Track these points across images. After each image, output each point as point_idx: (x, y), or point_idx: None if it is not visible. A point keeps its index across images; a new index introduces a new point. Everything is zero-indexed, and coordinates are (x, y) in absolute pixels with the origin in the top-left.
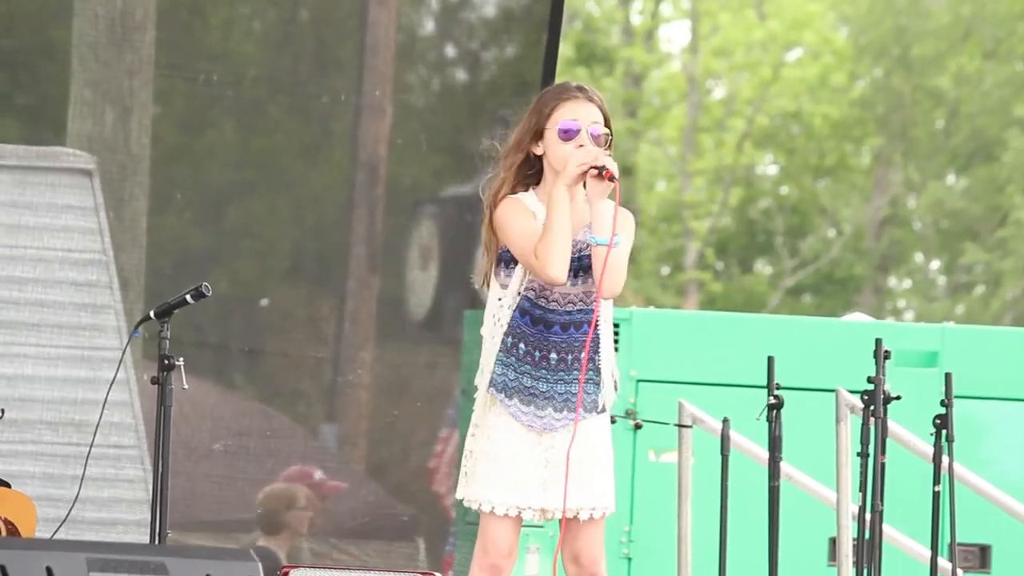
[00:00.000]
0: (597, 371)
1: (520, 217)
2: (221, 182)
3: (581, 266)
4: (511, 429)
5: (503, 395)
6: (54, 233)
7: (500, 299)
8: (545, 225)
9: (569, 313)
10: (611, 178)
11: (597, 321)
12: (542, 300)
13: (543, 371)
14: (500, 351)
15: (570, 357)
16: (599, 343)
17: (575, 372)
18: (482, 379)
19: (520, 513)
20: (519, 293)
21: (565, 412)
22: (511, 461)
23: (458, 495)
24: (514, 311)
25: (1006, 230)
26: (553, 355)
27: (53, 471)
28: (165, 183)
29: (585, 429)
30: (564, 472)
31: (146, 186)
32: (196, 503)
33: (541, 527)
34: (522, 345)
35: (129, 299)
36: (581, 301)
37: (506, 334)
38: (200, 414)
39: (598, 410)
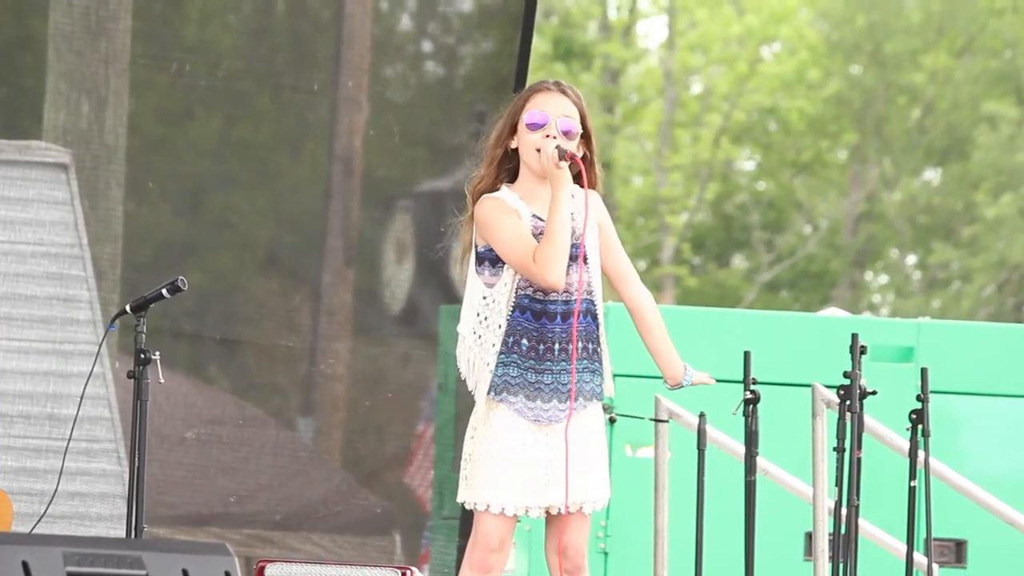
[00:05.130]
0: (598, 359)
1: (506, 219)
2: (197, 173)
3: (573, 255)
4: (515, 428)
5: (505, 394)
6: (30, 227)
7: (485, 297)
8: (548, 233)
9: (567, 303)
10: (571, 158)
11: (595, 309)
12: (539, 293)
13: (547, 363)
14: (501, 352)
15: (570, 346)
16: (599, 331)
17: (577, 361)
18: (474, 381)
19: (528, 512)
20: (515, 293)
21: (568, 402)
22: (516, 461)
23: (459, 499)
24: (513, 311)
25: (975, 228)
26: (556, 346)
27: (29, 465)
28: (141, 174)
29: (583, 418)
30: (565, 465)
31: (122, 177)
32: (168, 492)
33: (518, 521)
34: (524, 341)
35: (105, 290)
36: (576, 289)
37: (507, 334)
38: (173, 403)
39: (598, 398)
